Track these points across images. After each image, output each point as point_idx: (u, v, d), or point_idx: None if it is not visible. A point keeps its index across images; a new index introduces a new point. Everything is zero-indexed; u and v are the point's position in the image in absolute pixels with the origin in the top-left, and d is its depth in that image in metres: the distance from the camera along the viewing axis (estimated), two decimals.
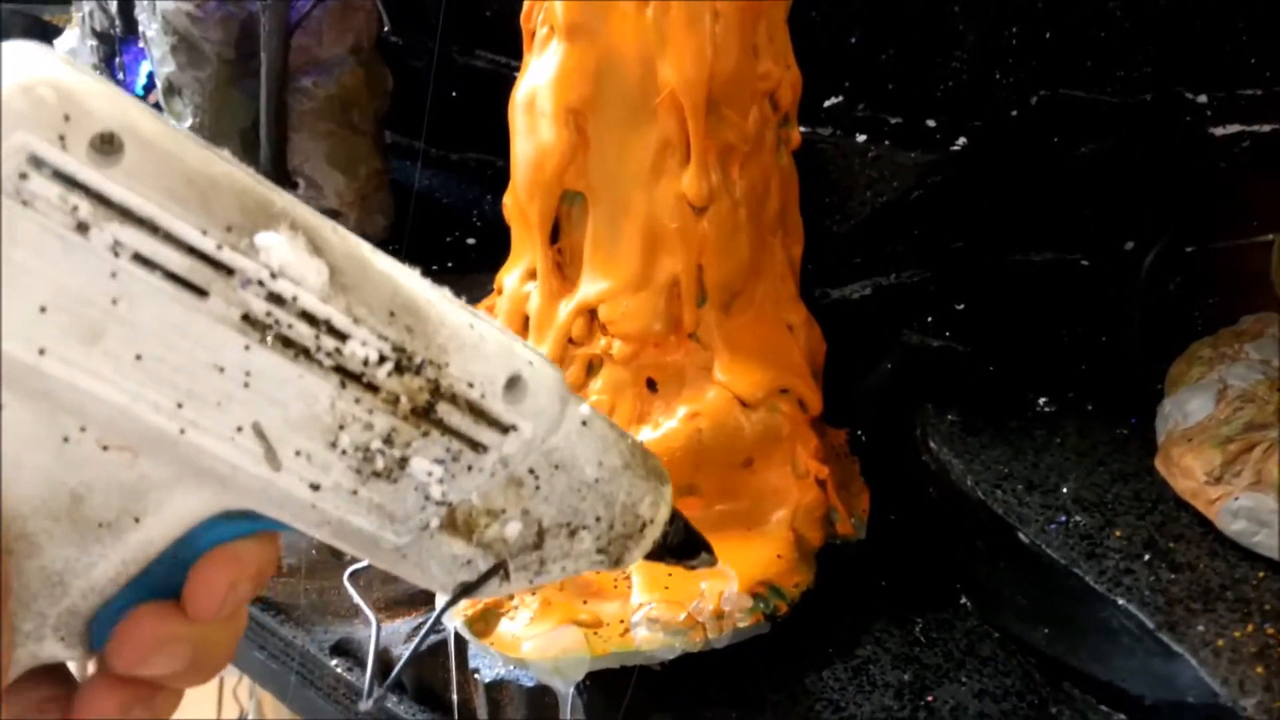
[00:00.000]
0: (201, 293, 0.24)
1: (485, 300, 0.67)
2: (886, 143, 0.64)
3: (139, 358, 0.23)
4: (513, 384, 0.29)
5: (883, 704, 0.53)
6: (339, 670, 0.69)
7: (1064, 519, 0.51)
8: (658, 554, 0.35)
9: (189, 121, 0.75)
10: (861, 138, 0.65)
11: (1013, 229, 0.69)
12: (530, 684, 0.56)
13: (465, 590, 0.31)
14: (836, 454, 0.65)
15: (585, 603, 0.55)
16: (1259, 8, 0.65)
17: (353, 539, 0.28)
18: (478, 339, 0.28)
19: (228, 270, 0.24)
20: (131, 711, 0.27)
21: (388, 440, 0.27)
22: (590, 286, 0.58)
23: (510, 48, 0.60)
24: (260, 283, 0.24)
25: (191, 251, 0.23)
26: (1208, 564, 0.48)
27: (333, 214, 0.59)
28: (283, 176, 0.76)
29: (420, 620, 0.63)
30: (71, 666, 0.28)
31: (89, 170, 0.22)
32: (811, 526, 0.58)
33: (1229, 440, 0.51)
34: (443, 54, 0.84)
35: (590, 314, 0.58)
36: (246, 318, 0.24)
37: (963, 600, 0.59)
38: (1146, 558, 0.49)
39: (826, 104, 0.66)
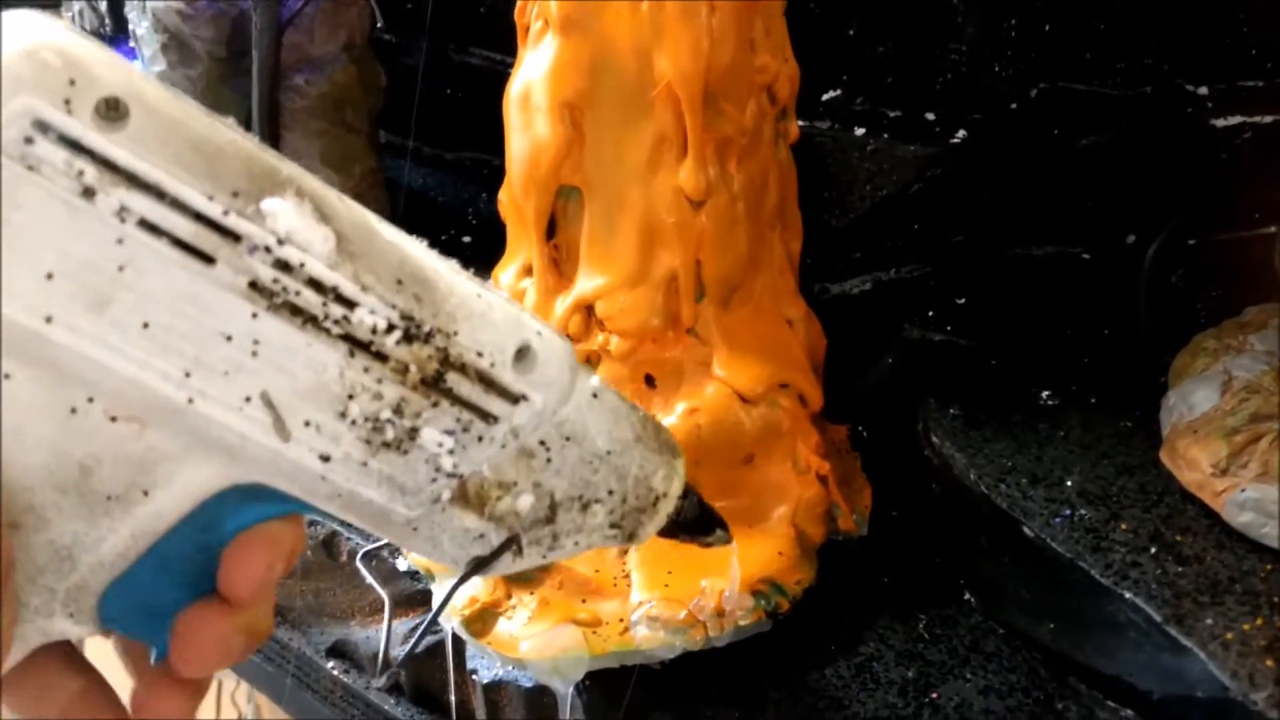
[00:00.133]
0: (208, 259, 0.23)
1: None
2: (885, 136, 0.64)
3: (146, 326, 0.23)
4: (522, 354, 0.29)
5: (886, 701, 0.53)
6: (335, 673, 0.68)
7: (1069, 512, 0.51)
8: (672, 530, 0.35)
9: None
10: (860, 131, 0.64)
11: (1013, 222, 0.68)
12: (529, 684, 0.55)
13: (478, 565, 0.31)
14: (838, 450, 0.65)
15: (584, 601, 0.55)
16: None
17: (364, 512, 0.28)
18: (486, 308, 0.28)
19: (234, 236, 0.24)
20: (194, 701, 0.28)
21: (397, 410, 0.27)
22: (587, 282, 0.57)
23: (506, 44, 0.59)
24: (267, 249, 0.24)
25: (198, 218, 0.23)
26: (1215, 556, 0.47)
27: None
28: None
29: (417, 620, 0.62)
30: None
31: (94, 135, 0.22)
32: (813, 523, 0.58)
33: (1235, 432, 0.50)
34: (438, 51, 0.83)
35: (587, 310, 0.58)
36: (254, 285, 0.24)
37: (966, 596, 0.59)
38: (1153, 551, 0.48)
39: (825, 97, 0.66)
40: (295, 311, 0.25)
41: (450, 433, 0.28)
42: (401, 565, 0.62)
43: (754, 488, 0.58)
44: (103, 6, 0.83)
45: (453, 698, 0.60)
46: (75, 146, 0.22)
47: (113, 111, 0.22)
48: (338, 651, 0.69)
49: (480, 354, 0.28)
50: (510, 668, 0.56)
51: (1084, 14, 0.66)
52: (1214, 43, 0.67)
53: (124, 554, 0.26)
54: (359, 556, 0.62)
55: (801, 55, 0.59)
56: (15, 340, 0.22)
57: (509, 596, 0.55)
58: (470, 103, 0.85)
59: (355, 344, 0.26)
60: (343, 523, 0.67)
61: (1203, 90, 0.68)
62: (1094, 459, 0.54)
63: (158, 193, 0.23)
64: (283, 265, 0.24)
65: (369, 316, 0.26)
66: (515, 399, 0.29)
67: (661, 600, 0.53)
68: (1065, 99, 0.68)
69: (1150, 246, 0.68)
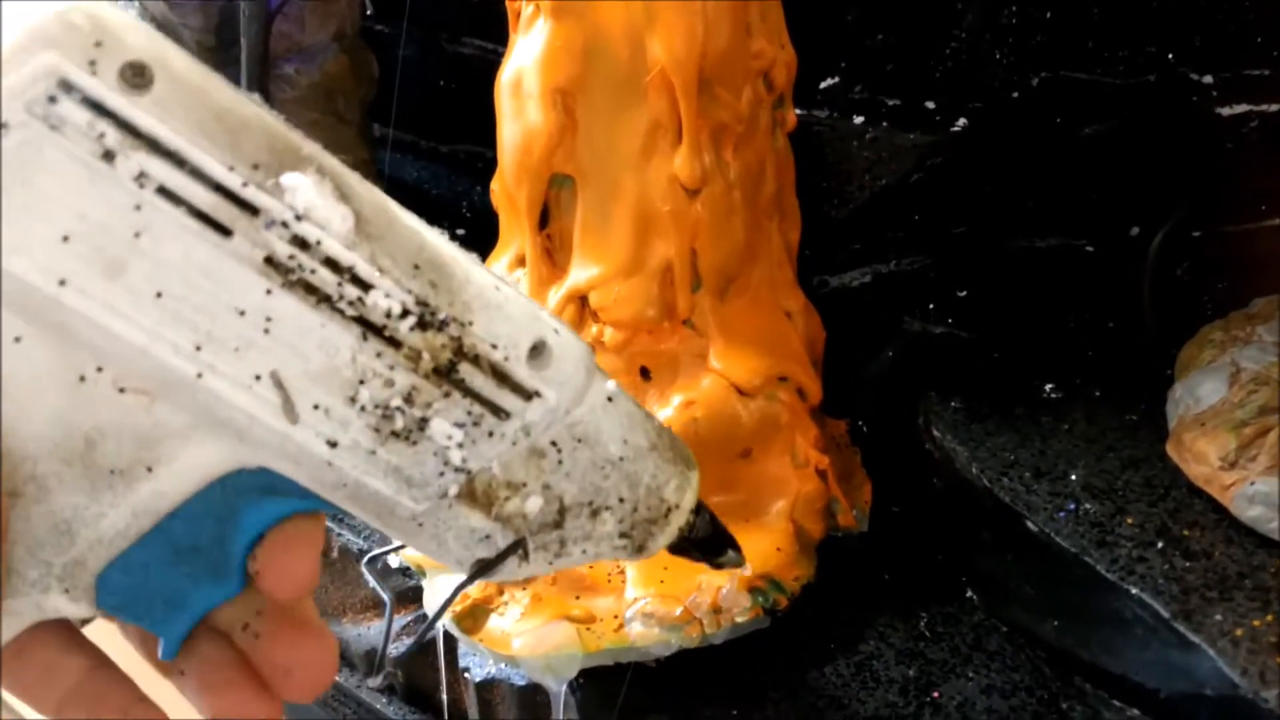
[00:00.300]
0: (225, 231, 0.23)
1: None
2: (884, 125, 0.63)
3: (159, 295, 0.23)
4: (538, 349, 0.28)
5: (887, 700, 0.52)
6: None
7: (1073, 506, 0.49)
8: (683, 547, 0.34)
9: None
10: (859, 119, 0.63)
11: (1015, 213, 0.67)
12: (522, 683, 0.54)
13: (483, 567, 0.30)
14: (837, 445, 0.64)
15: (578, 598, 0.53)
16: None
17: (369, 503, 0.28)
18: (503, 300, 0.28)
19: (252, 209, 0.23)
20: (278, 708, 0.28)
21: (408, 399, 0.26)
22: (580, 272, 0.56)
23: (500, 34, 0.58)
24: (284, 224, 0.24)
25: (217, 188, 0.23)
26: (1223, 551, 0.46)
27: None
28: None
29: (409, 618, 0.61)
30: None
31: (118, 97, 0.22)
32: (812, 518, 0.57)
33: (1243, 424, 0.49)
34: (430, 41, 0.82)
35: (581, 301, 0.57)
36: (269, 260, 0.24)
37: (968, 594, 0.57)
38: (1159, 545, 0.47)
39: (822, 85, 0.64)
40: (310, 290, 0.24)
41: (460, 425, 0.27)
42: (394, 562, 0.61)
43: (751, 482, 0.57)
44: None
45: (445, 697, 0.59)
46: (98, 108, 0.22)
47: (138, 77, 0.22)
48: None
49: (495, 346, 0.27)
50: (503, 665, 0.55)
51: (1085, 1, 0.65)
52: (1219, 30, 0.65)
53: (124, 532, 0.25)
54: (364, 561, 0.61)
55: (799, 42, 0.58)
56: (27, 302, 0.22)
57: (501, 593, 0.54)
58: (464, 94, 0.84)
59: (368, 327, 0.25)
60: (336, 517, 0.66)
61: (1207, 79, 0.66)
62: (1099, 452, 0.53)
63: (178, 160, 0.23)
64: (300, 242, 0.24)
65: (384, 300, 0.25)
66: (528, 395, 0.28)
67: (657, 597, 0.52)
68: (1067, 88, 0.66)
69: (1154, 238, 0.66)
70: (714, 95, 0.54)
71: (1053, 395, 0.58)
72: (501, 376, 0.28)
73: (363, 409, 0.26)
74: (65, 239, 0.22)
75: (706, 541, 0.35)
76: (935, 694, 0.52)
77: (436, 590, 0.55)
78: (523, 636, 0.52)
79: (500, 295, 0.28)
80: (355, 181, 0.25)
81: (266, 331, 0.24)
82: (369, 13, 0.82)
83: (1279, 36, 0.65)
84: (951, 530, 0.58)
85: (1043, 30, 0.65)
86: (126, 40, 0.22)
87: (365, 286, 0.25)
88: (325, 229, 0.24)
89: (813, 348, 0.61)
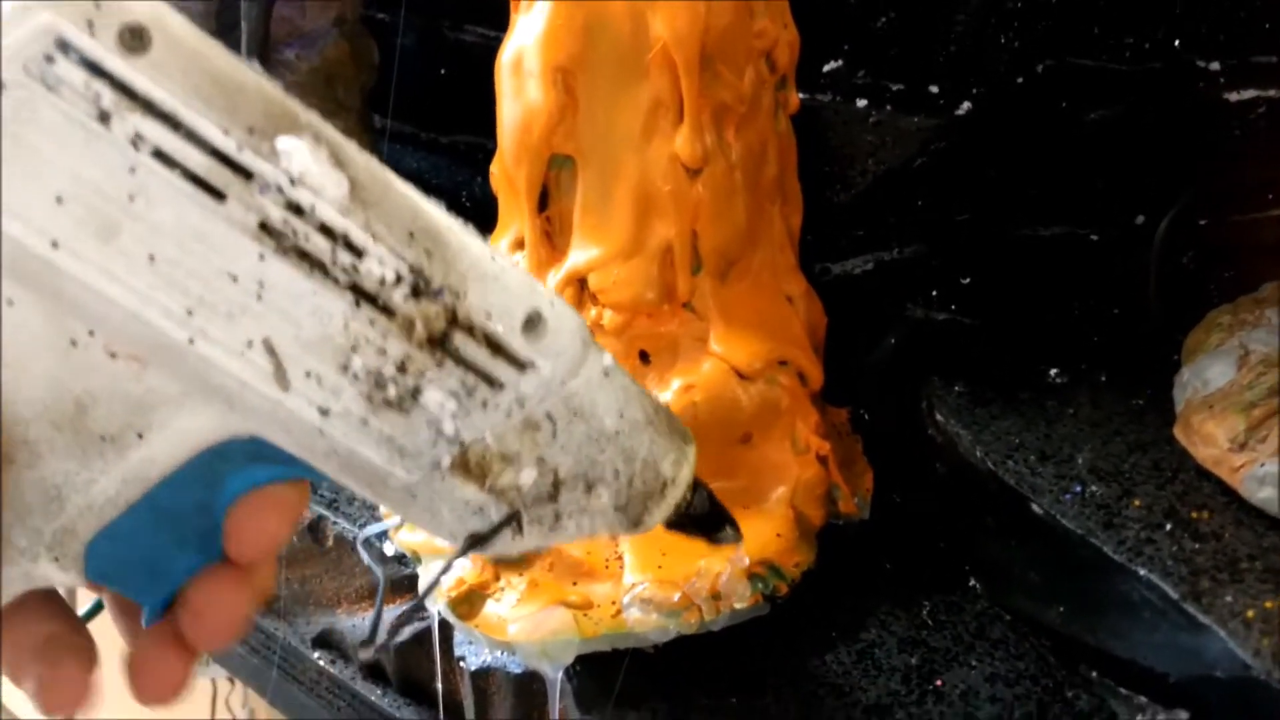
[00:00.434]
0: (219, 195, 0.23)
1: None
2: (888, 108, 0.62)
3: (152, 259, 0.23)
4: (533, 321, 0.28)
5: (889, 688, 0.51)
6: (321, 663, 0.66)
7: (1079, 489, 0.49)
8: (680, 523, 0.34)
9: None
10: (862, 103, 0.63)
11: (1019, 201, 0.67)
12: (518, 671, 0.53)
13: (476, 541, 0.30)
14: (838, 432, 0.63)
15: (575, 584, 0.52)
16: None
17: (361, 473, 0.27)
18: (498, 271, 0.28)
19: (247, 174, 0.23)
20: (193, 667, 0.27)
21: (401, 368, 0.26)
22: (580, 254, 0.55)
23: (502, 21, 0.57)
24: (279, 189, 0.24)
25: (212, 152, 0.23)
26: (1233, 533, 0.45)
27: None
28: None
29: (405, 607, 0.60)
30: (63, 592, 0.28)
31: (115, 59, 0.22)
32: (812, 504, 0.56)
33: (1252, 406, 0.48)
34: (431, 29, 0.81)
35: (580, 284, 0.56)
36: (263, 225, 0.24)
37: (971, 582, 0.57)
38: (1168, 527, 0.46)
39: (825, 68, 0.64)
40: (303, 256, 0.24)
41: (454, 395, 0.27)
42: (389, 550, 0.60)
43: (751, 468, 0.56)
44: None
45: (439, 686, 0.58)
46: (95, 69, 0.22)
47: (136, 39, 0.22)
48: (324, 641, 0.67)
49: (489, 316, 0.27)
50: (498, 653, 0.54)
51: None
52: (1225, 17, 0.65)
53: (114, 500, 0.25)
54: (359, 540, 0.60)
55: (802, 24, 0.57)
56: (20, 264, 0.22)
57: (497, 578, 0.53)
58: (465, 83, 0.83)
59: (362, 295, 0.25)
60: (329, 506, 0.65)
61: (1214, 66, 0.66)
62: (1105, 436, 0.52)
63: (173, 123, 0.23)
64: (294, 207, 0.24)
65: (378, 267, 0.25)
66: (523, 366, 0.28)
67: (655, 582, 0.51)
68: (1072, 75, 0.66)
69: (1159, 226, 0.66)
70: (716, 74, 0.53)
71: (1057, 380, 0.57)
72: (495, 346, 0.27)
73: (355, 377, 0.26)
74: (59, 200, 0.22)
75: (704, 518, 0.36)
76: (938, 682, 0.51)
77: (430, 575, 0.54)
78: (518, 622, 0.51)
79: (495, 265, 0.28)
80: (351, 149, 0.25)
81: (259, 297, 0.24)
82: None
83: None
84: (954, 517, 0.57)
85: (1047, 16, 0.64)
86: (125, 2, 0.22)
87: (359, 253, 0.25)
88: (320, 195, 0.24)
89: (814, 333, 0.60)
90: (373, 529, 0.56)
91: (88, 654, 0.27)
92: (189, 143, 0.23)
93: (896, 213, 0.65)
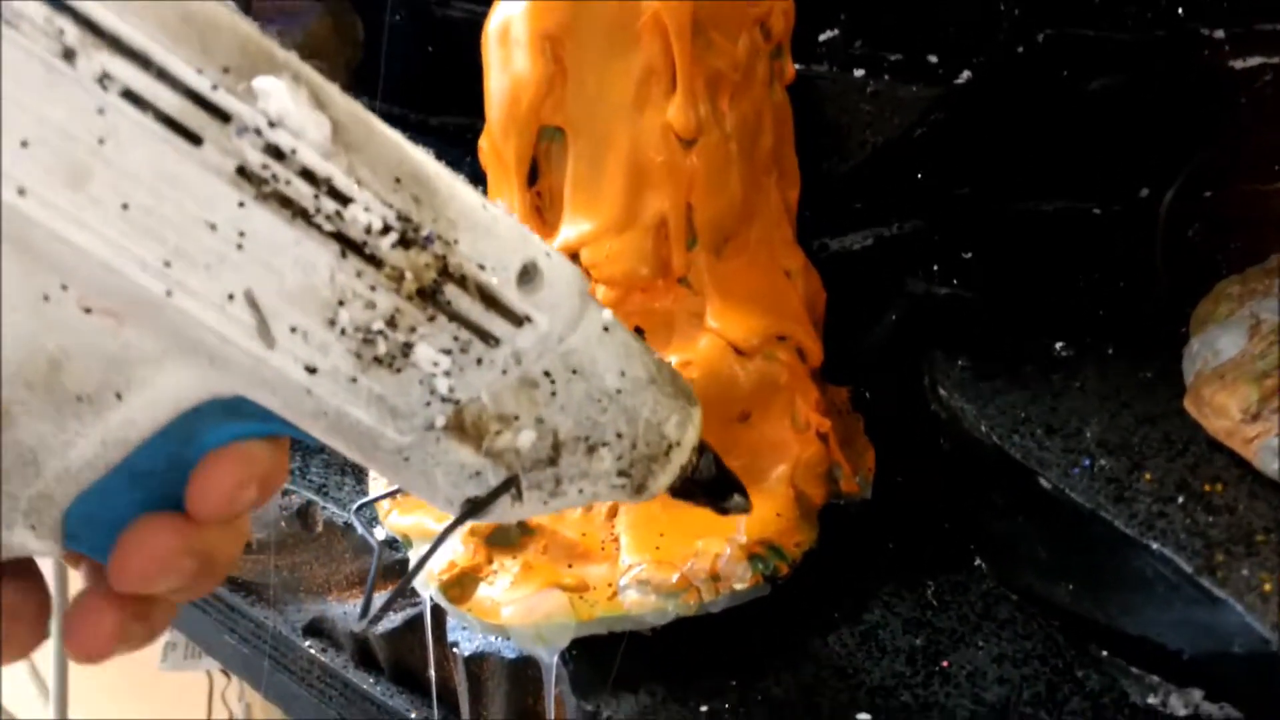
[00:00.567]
0: (195, 139, 0.22)
1: None
2: (886, 78, 0.61)
3: (125, 207, 0.22)
4: (528, 272, 0.27)
5: (894, 670, 0.49)
6: (313, 652, 0.65)
7: (1088, 463, 0.47)
8: (686, 490, 0.33)
9: None
10: (859, 73, 0.61)
11: (1020, 175, 0.65)
12: (512, 656, 0.52)
13: (474, 507, 0.28)
14: (838, 411, 0.61)
15: (570, 566, 0.51)
16: None
17: (351, 435, 0.26)
18: (490, 220, 0.26)
19: (223, 115, 0.22)
20: (130, 629, 0.25)
21: (390, 322, 0.25)
22: (571, 228, 0.54)
23: None
24: (257, 131, 0.23)
25: (185, 92, 0.22)
26: (1248, 505, 0.44)
27: None
28: None
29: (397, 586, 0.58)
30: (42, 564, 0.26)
31: None
32: (813, 483, 0.54)
33: (1265, 375, 0.47)
34: (419, 4, 0.80)
35: (572, 258, 0.54)
36: (242, 170, 0.23)
37: (976, 561, 0.55)
38: (1180, 500, 0.45)
39: (821, 38, 0.62)
40: (285, 203, 0.23)
41: (447, 352, 0.26)
42: (380, 534, 0.58)
43: (750, 446, 0.55)
44: None
45: (433, 674, 0.57)
46: (56, 3, 0.21)
47: None
48: (315, 629, 0.66)
49: (482, 267, 0.26)
50: (492, 639, 0.53)
51: None
52: None
53: (92, 463, 0.24)
54: (352, 511, 0.59)
55: None
56: None
57: (489, 561, 0.51)
58: (453, 61, 0.82)
59: (348, 244, 0.24)
60: (319, 490, 0.63)
61: (1219, 34, 0.64)
62: (1113, 409, 0.51)
63: (143, 61, 0.21)
64: (273, 151, 0.23)
65: (363, 214, 0.24)
66: (519, 320, 0.27)
67: (652, 563, 0.50)
68: (1073, 44, 0.64)
69: (1164, 199, 0.64)
70: (709, 41, 0.52)
71: (1063, 353, 0.56)
72: (490, 300, 0.26)
73: (343, 332, 0.24)
74: (24, 144, 0.21)
75: (711, 484, 0.34)
76: (944, 663, 0.50)
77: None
78: (512, 605, 0.49)
79: (487, 215, 0.26)
80: (333, 90, 0.24)
81: (239, 247, 0.23)
82: None
83: None
84: (959, 495, 0.56)
85: None
86: None
87: (343, 200, 0.24)
88: (300, 137, 0.23)
89: (813, 308, 0.58)
90: (365, 500, 0.54)
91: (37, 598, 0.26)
92: (160, 82, 0.22)
93: (896, 186, 0.63)
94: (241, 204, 0.23)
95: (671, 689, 0.48)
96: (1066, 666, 0.49)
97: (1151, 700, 0.46)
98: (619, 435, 0.30)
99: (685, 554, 0.50)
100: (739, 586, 0.50)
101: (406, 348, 0.25)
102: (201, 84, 0.22)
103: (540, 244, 0.27)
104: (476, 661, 0.53)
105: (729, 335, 0.54)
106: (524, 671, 0.52)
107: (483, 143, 0.58)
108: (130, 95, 0.21)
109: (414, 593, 0.56)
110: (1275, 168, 0.65)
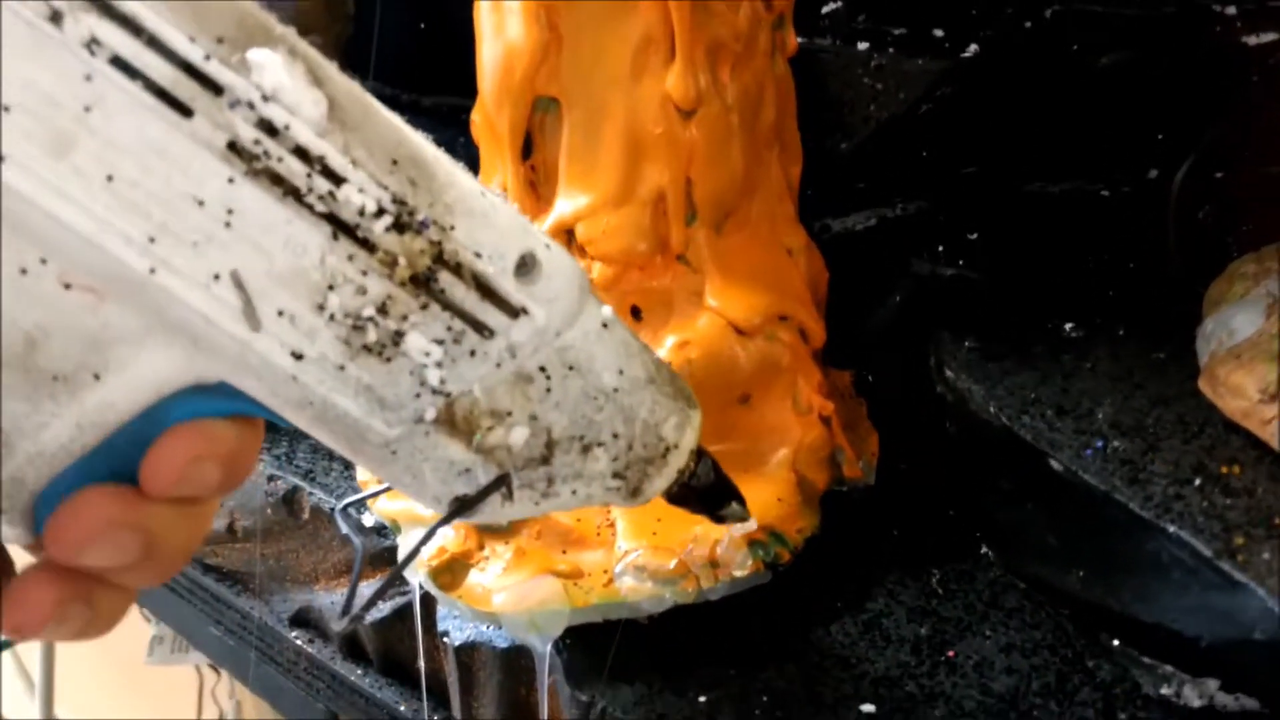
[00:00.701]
0: (185, 110, 0.21)
1: None
2: (891, 51, 0.59)
3: (110, 179, 0.21)
4: (526, 263, 0.26)
5: (898, 660, 0.48)
6: (299, 643, 0.63)
7: (1101, 444, 0.46)
8: (682, 496, 0.32)
9: None
10: (863, 46, 0.59)
11: (1027, 155, 0.63)
12: (504, 645, 0.50)
13: (463, 506, 0.28)
14: (841, 395, 0.60)
15: (564, 552, 0.49)
16: None
17: (338, 426, 0.25)
18: (489, 208, 0.25)
19: (216, 88, 0.22)
20: (69, 609, 0.23)
21: (382, 309, 0.24)
22: (566, 203, 0.52)
23: None
24: (250, 104, 0.22)
25: (177, 62, 0.21)
26: (1267, 488, 0.42)
27: None
28: None
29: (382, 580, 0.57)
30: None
31: None
32: (815, 467, 0.53)
33: None
34: None
35: (567, 235, 0.53)
36: (233, 146, 0.22)
37: (983, 549, 0.54)
38: (1197, 483, 0.43)
39: (825, 10, 0.61)
40: (276, 181, 0.22)
41: (439, 342, 0.25)
42: (368, 520, 0.57)
43: (751, 430, 0.53)
44: None
45: (422, 664, 0.55)
46: None
47: None
48: (301, 620, 0.64)
49: (479, 255, 0.25)
50: (484, 628, 0.51)
51: None
52: None
53: (66, 446, 0.23)
54: (338, 509, 0.57)
55: None
56: None
57: (481, 547, 0.50)
58: (447, 40, 0.80)
59: (340, 226, 0.23)
60: (305, 476, 0.62)
61: (1230, 9, 0.63)
62: (1126, 390, 0.49)
63: (133, 27, 0.21)
64: (266, 126, 0.22)
65: (357, 196, 0.23)
66: (515, 312, 0.26)
67: (649, 549, 0.48)
68: (1082, 20, 0.63)
69: (1174, 180, 0.63)
70: (709, 8, 0.50)
71: (1073, 334, 0.54)
72: (485, 289, 0.25)
73: (332, 318, 0.24)
74: (6, 109, 0.20)
75: (708, 491, 0.34)
76: (950, 653, 0.48)
77: (411, 544, 0.51)
78: (505, 592, 0.48)
79: (485, 202, 0.25)
80: (330, 68, 0.23)
81: (227, 225, 0.22)
82: None
83: None
84: (965, 481, 0.55)
85: None
86: None
87: (337, 180, 0.23)
88: (295, 114, 0.22)
89: (815, 288, 0.57)
90: (352, 499, 0.53)
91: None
92: (151, 50, 0.21)
93: (900, 165, 0.62)
94: (231, 180, 0.22)
95: (669, 679, 0.47)
96: (1077, 656, 0.47)
97: (1165, 691, 0.45)
98: (615, 435, 0.29)
99: (683, 540, 0.49)
100: (739, 573, 0.49)
101: (397, 336, 0.25)
102: (194, 53, 0.21)
103: (540, 235, 0.27)
104: (467, 651, 0.51)
105: (729, 314, 0.52)
106: (516, 661, 0.50)
107: (475, 116, 0.56)
108: (119, 62, 0.21)
109: (403, 581, 0.55)
110: None
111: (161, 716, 1.40)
